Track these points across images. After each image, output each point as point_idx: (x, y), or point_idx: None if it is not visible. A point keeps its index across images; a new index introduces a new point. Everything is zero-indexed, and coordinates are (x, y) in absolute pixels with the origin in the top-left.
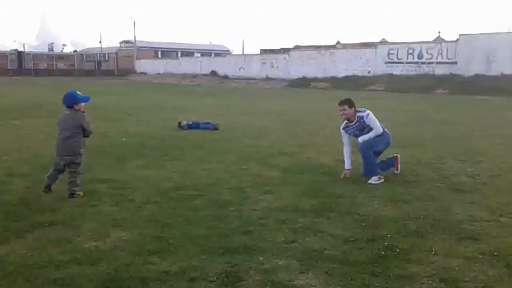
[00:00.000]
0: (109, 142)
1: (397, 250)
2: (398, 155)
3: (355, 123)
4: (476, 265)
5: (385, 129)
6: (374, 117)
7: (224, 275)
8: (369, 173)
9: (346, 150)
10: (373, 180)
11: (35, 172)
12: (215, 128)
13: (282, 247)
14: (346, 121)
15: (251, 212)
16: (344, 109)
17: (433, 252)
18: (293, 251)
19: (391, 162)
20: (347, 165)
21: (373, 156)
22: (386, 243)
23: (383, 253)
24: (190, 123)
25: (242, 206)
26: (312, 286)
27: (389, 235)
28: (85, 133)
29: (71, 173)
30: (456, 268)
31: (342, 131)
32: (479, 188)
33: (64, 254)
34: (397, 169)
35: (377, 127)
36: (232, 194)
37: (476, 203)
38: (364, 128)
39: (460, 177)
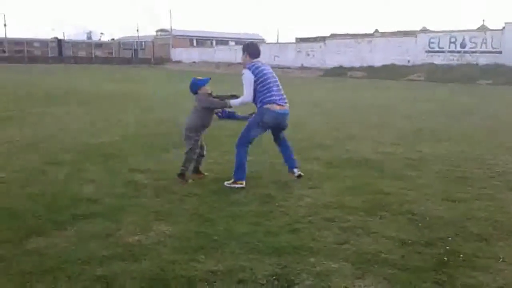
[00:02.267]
0: (147, 131)
1: (460, 255)
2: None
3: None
4: None
5: (277, 103)
6: (252, 79)
7: (274, 277)
8: (234, 173)
9: None
10: (228, 182)
11: (74, 160)
12: (250, 115)
13: (333, 248)
14: None
15: (296, 208)
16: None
17: (500, 259)
18: (345, 253)
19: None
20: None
21: (242, 156)
22: (447, 248)
23: (445, 258)
24: (227, 111)
25: (286, 201)
26: None
27: (449, 238)
28: (212, 107)
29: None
30: None
31: None
32: None
33: (106, 249)
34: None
35: (245, 94)
36: (275, 189)
37: None
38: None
39: None
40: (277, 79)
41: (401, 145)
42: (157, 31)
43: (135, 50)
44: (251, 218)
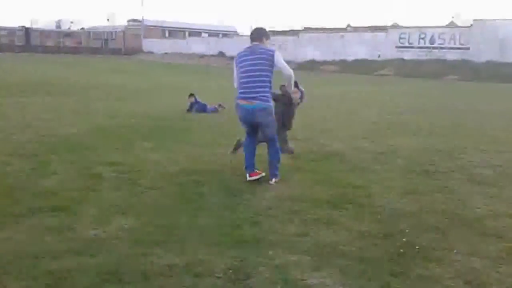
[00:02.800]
0: (117, 123)
1: (417, 247)
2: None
3: None
4: (501, 266)
5: (242, 97)
6: (235, 67)
7: (231, 271)
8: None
9: None
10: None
11: (40, 152)
12: (219, 107)
13: (293, 241)
14: None
15: (260, 201)
16: None
17: (455, 251)
18: (305, 245)
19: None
20: None
21: (244, 147)
22: (404, 239)
23: (401, 250)
24: (201, 102)
25: (252, 194)
26: (327, 286)
27: (407, 230)
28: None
29: None
30: (481, 269)
31: None
32: (501, 181)
33: (61, 243)
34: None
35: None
36: (242, 182)
37: (498, 197)
38: None
39: (482, 168)
40: (254, 71)
41: (371, 139)
42: (128, 21)
43: (105, 40)
44: (215, 211)
